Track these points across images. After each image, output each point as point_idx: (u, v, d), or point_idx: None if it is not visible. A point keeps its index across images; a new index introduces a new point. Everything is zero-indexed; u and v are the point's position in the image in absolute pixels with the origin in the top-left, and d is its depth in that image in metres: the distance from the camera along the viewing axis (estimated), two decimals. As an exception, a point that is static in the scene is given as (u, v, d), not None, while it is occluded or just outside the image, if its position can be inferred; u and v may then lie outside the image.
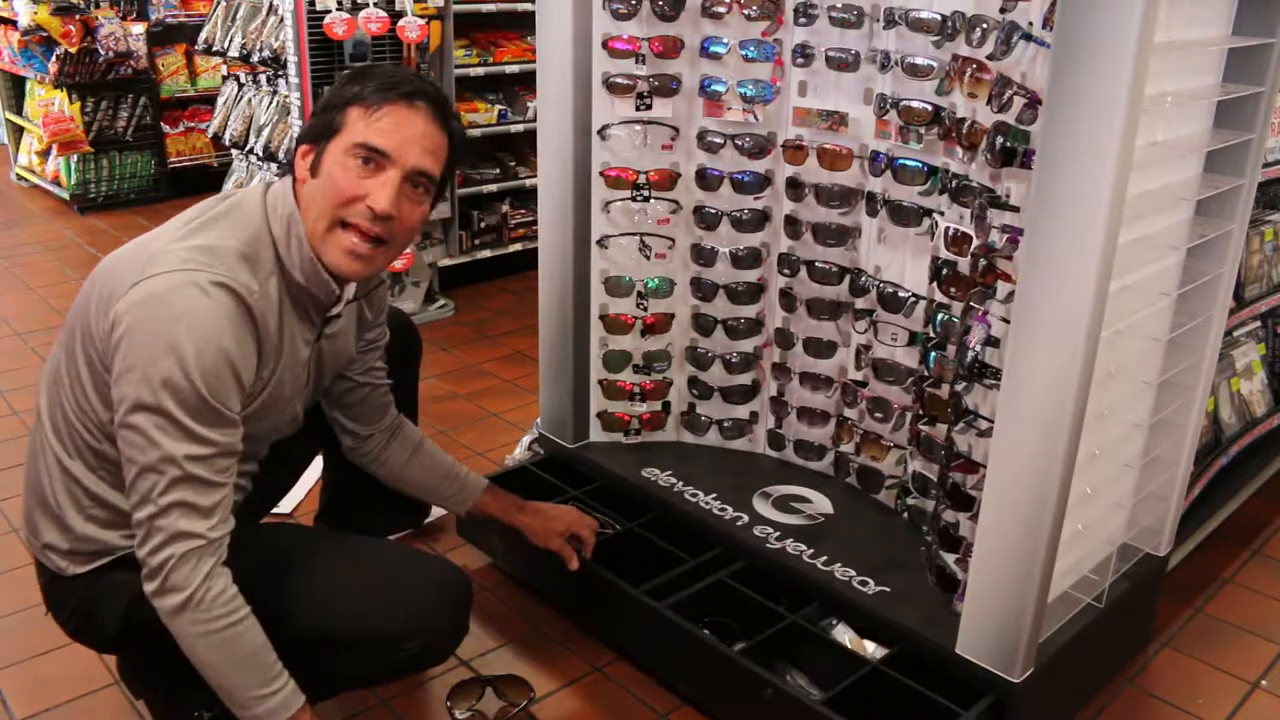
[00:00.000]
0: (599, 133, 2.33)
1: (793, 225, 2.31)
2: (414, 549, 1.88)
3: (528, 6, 4.06)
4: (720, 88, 2.27)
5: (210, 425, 1.43)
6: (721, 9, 2.21)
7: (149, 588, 1.45)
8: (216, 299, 1.43)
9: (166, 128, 5.65)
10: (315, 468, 2.24)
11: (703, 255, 2.41)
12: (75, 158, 5.37)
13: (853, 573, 2.05)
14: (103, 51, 5.17)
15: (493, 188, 4.28)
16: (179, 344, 1.38)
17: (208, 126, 4.68)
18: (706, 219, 2.38)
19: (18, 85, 5.84)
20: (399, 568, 1.71)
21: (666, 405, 2.57)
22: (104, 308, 1.45)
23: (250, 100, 4.18)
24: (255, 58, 3.87)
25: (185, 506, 1.42)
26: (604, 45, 2.26)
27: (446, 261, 4.17)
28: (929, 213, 2.05)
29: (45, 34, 5.19)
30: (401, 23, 3.61)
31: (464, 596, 1.74)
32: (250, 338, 1.48)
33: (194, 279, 1.42)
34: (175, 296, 1.40)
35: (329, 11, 3.46)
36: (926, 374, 2.05)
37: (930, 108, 1.98)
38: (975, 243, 1.85)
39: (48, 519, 1.59)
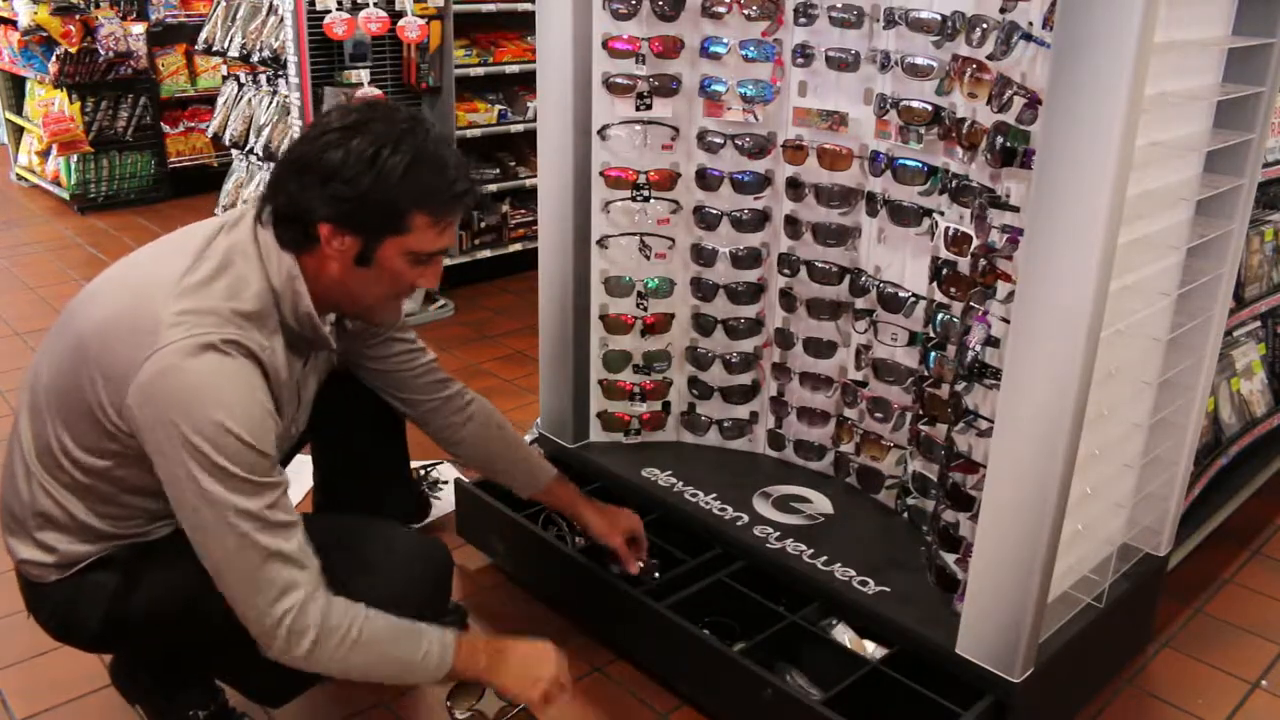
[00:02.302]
0: (599, 133, 2.33)
1: (793, 225, 2.31)
2: (395, 524, 1.87)
3: (528, 6, 4.06)
4: (720, 88, 2.27)
5: (267, 473, 1.43)
6: (721, 9, 2.21)
7: (273, 648, 1.44)
8: (236, 357, 1.43)
9: (166, 128, 5.65)
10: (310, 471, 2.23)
11: (703, 255, 2.41)
12: (75, 158, 5.37)
13: (853, 573, 2.05)
14: (103, 51, 5.17)
15: (493, 188, 4.28)
16: (217, 407, 1.38)
17: (208, 126, 4.69)
18: (706, 219, 2.38)
19: (18, 85, 5.84)
20: (380, 543, 1.72)
21: (666, 405, 2.57)
22: (116, 382, 1.42)
23: (250, 100, 4.18)
24: (255, 58, 3.88)
25: (279, 556, 1.42)
26: (604, 45, 2.26)
27: (446, 262, 4.16)
28: (929, 213, 2.05)
29: (45, 34, 5.18)
30: (401, 23, 3.61)
31: (444, 568, 1.78)
32: (268, 388, 1.48)
33: (208, 340, 1.40)
34: (197, 363, 1.39)
35: (329, 11, 3.46)
36: (926, 374, 2.05)
37: (930, 108, 1.98)
38: (975, 243, 1.85)
39: (25, 539, 1.57)
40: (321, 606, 1.45)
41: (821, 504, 2.32)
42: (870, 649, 1.95)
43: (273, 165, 1.55)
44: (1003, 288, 1.76)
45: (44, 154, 5.69)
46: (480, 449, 2.02)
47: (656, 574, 2.11)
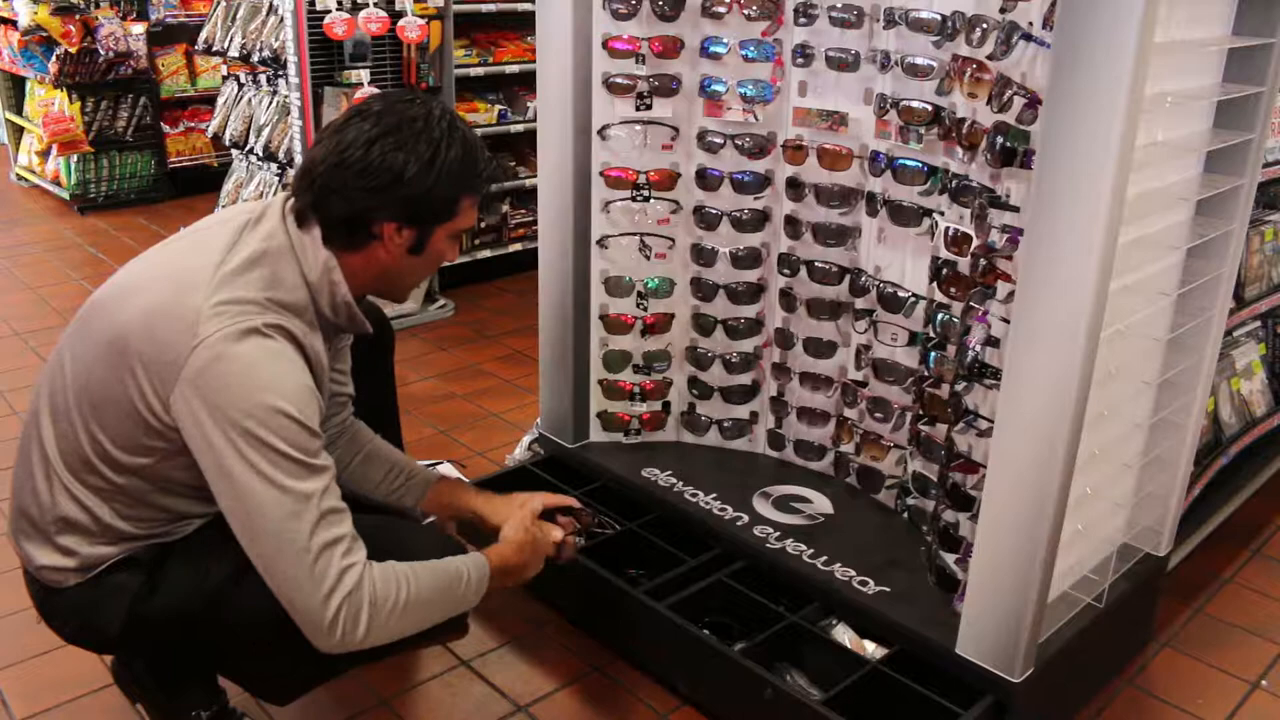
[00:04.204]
0: (599, 133, 2.33)
1: (793, 225, 2.31)
2: (407, 521, 1.88)
3: (528, 6, 4.06)
4: (720, 88, 2.27)
5: (318, 454, 1.44)
6: (721, 9, 2.21)
7: (330, 642, 1.43)
8: (278, 339, 1.45)
9: (166, 128, 5.65)
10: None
11: (703, 255, 2.41)
12: (75, 158, 5.37)
13: (853, 573, 2.05)
14: (103, 51, 5.17)
15: (493, 187, 4.28)
16: (266, 388, 1.39)
17: (208, 126, 4.69)
18: (706, 219, 2.38)
19: (18, 85, 5.84)
20: (396, 539, 1.72)
21: (666, 405, 2.57)
22: (159, 376, 1.42)
23: (250, 100, 4.18)
24: (255, 58, 3.88)
25: (334, 544, 1.43)
26: (604, 45, 2.26)
27: (445, 262, 4.16)
28: (929, 213, 2.05)
29: (45, 34, 5.19)
30: (401, 23, 3.61)
31: None
32: (309, 370, 1.50)
33: (251, 325, 1.42)
34: (241, 348, 1.40)
35: (329, 11, 3.46)
36: (926, 374, 2.05)
37: (930, 108, 1.98)
38: (975, 243, 1.85)
39: (44, 544, 1.56)
40: (369, 587, 1.45)
41: (821, 504, 2.32)
42: (870, 649, 1.95)
43: (307, 169, 1.55)
44: (1003, 288, 1.76)
45: (44, 154, 5.69)
46: (344, 470, 1.90)
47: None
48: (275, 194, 4.06)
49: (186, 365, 1.39)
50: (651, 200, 2.37)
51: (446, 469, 2.83)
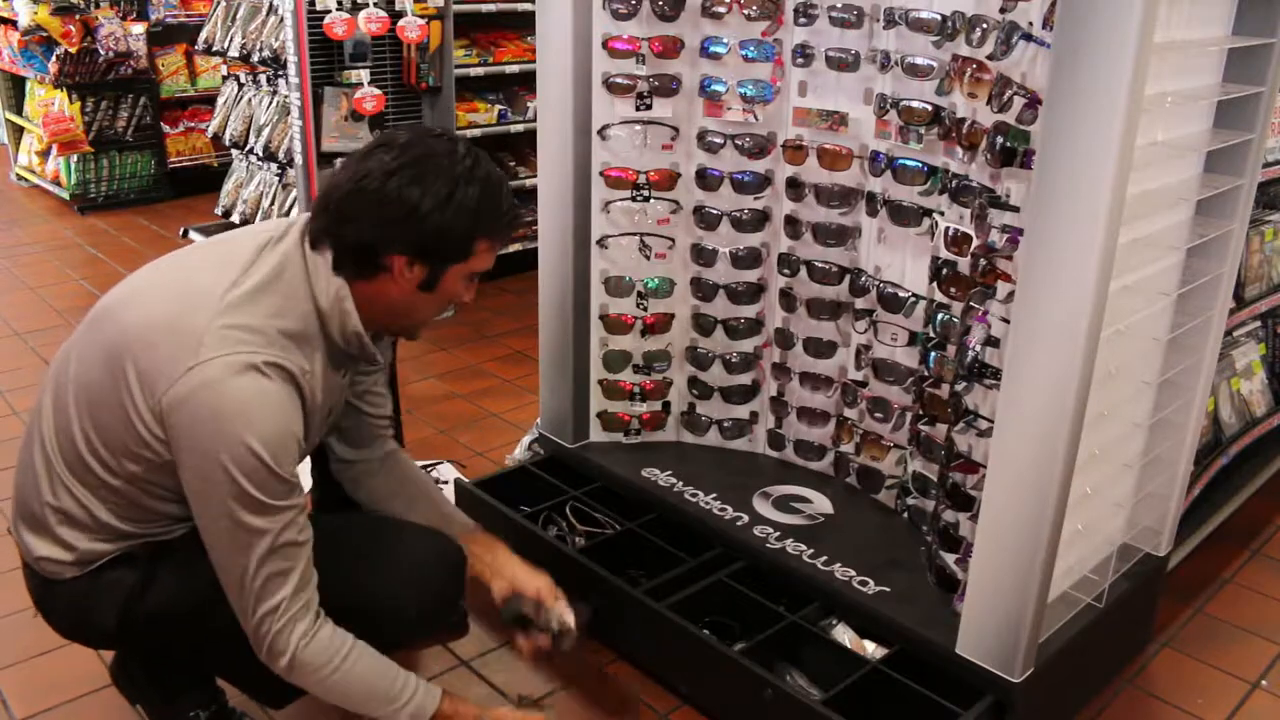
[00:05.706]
0: (599, 133, 2.33)
1: (793, 225, 2.31)
2: (405, 521, 1.88)
3: (528, 6, 4.06)
4: (720, 88, 2.27)
5: (286, 495, 1.46)
6: (721, 9, 2.21)
7: (259, 655, 1.51)
8: (275, 379, 1.45)
9: (166, 128, 5.65)
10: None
11: (703, 255, 2.41)
12: (75, 158, 5.37)
13: (853, 573, 2.05)
14: (103, 51, 5.17)
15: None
16: (248, 428, 1.40)
17: (208, 126, 4.69)
18: (706, 219, 2.38)
19: (18, 85, 5.83)
20: (393, 539, 1.75)
21: (666, 405, 2.57)
22: (151, 386, 1.44)
23: (250, 100, 4.19)
24: (255, 58, 3.88)
25: (279, 577, 1.47)
26: (604, 45, 2.26)
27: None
28: (929, 213, 2.05)
29: (45, 34, 5.18)
30: (401, 23, 3.61)
31: (458, 562, 1.80)
32: (301, 410, 1.51)
33: (250, 360, 1.42)
34: (237, 382, 1.41)
35: (329, 11, 3.46)
36: (926, 374, 2.05)
37: (930, 108, 1.98)
38: (975, 243, 1.85)
39: (43, 536, 1.57)
40: (301, 635, 1.50)
41: (821, 504, 2.32)
42: (870, 649, 1.95)
43: (326, 194, 1.55)
44: (1003, 288, 1.76)
45: (44, 154, 5.69)
46: (381, 500, 1.90)
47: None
48: (275, 193, 4.07)
49: (178, 383, 1.41)
50: (651, 200, 2.37)
51: (446, 469, 2.83)
